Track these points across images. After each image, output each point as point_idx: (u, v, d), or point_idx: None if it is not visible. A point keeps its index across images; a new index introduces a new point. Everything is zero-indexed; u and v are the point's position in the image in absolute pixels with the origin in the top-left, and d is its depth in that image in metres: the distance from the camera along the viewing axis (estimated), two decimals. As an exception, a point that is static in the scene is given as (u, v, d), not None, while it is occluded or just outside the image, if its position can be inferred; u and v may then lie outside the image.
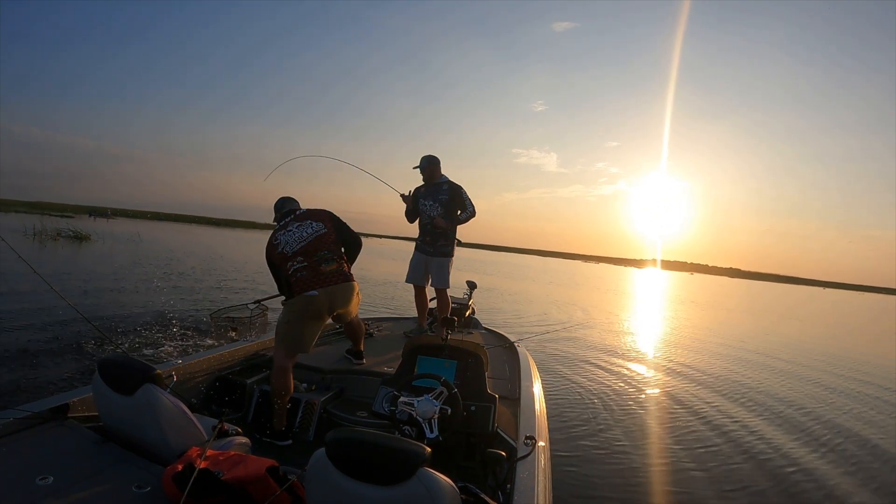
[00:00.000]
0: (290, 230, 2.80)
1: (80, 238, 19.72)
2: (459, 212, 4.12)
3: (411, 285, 4.36)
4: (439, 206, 4.07)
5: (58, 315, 6.28)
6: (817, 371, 8.19)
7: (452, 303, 4.85)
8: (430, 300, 4.41)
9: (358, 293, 2.86)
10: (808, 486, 3.52)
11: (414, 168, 4.17)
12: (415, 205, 4.20)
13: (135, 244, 20.88)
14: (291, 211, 2.96)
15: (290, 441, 2.63)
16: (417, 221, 4.27)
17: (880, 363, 10.02)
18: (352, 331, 3.19)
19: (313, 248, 2.72)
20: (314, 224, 2.81)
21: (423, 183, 4.20)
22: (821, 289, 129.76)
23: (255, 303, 5.64)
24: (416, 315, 4.46)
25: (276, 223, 2.93)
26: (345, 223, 2.95)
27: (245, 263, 17.00)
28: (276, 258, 2.81)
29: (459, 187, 4.10)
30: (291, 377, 2.65)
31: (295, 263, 2.69)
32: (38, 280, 2.33)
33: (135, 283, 10.29)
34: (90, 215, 56.62)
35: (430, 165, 4.10)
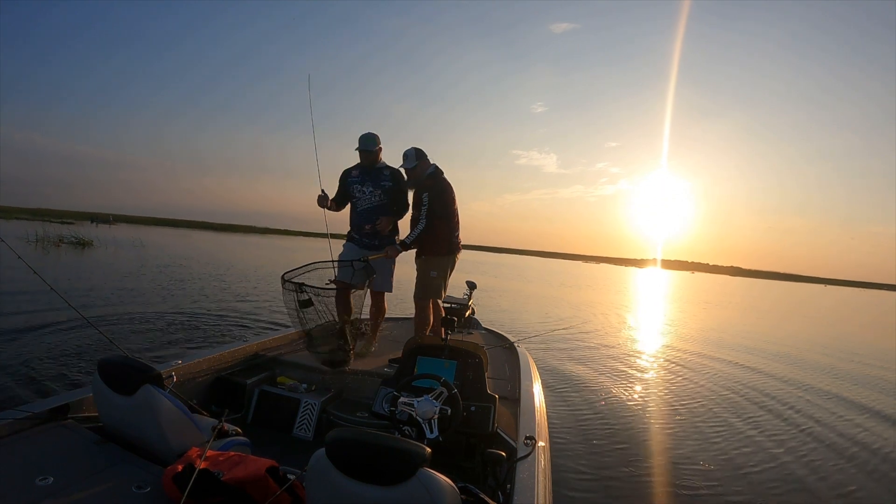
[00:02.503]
0: None
1: (82, 244, 19.78)
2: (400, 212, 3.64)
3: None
4: (381, 194, 3.57)
5: (58, 315, 6.31)
6: (828, 369, 8.13)
7: (452, 303, 4.76)
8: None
9: None
10: (813, 486, 3.50)
11: (356, 150, 3.61)
12: (344, 194, 3.69)
13: (137, 249, 20.93)
14: None
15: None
16: (350, 210, 3.72)
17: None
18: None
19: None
20: None
21: (356, 165, 3.64)
22: (823, 286, 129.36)
23: (362, 260, 3.44)
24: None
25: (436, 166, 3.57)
26: None
27: (245, 267, 17.04)
28: (455, 212, 3.58)
29: (402, 176, 3.60)
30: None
31: (457, 231, 3.61)
32: (39, 281, 2.34)
33: (136, 286, 10.34)
34: (92, 221, 56.74)
35: (376, 148, 3.53)
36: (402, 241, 3.45)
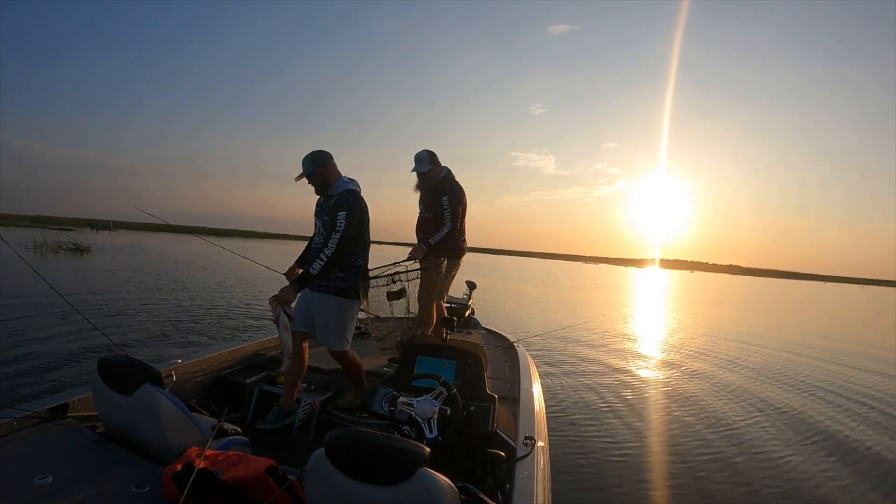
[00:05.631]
0: None
1: (80, 250, 19.80)
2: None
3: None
4: (323, 230, 2.56)
5: (57, 315, 6.34)
6: (829, 367, 8.06)
7: (453, 303, 4.75)
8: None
9: None
10: (812, 487, 3.47)
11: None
12: None
13: (135, 255, 20.92)
14: None
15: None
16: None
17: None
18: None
19: None
20: None
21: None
22: (822, 283, 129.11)
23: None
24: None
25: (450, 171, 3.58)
26: None
27: (246, 270, 17.02)
28: (464, 216, 3.61)
29: (348, 201, 2.52)
30: None
31: (464, 235, 3.66)
32: (39, 282, 2.35)
33: (136, 287, 10.40)
34: (92, 228, 56.69)
35: (317, 169, 2.55)
36: (427, 242, 3.41)
